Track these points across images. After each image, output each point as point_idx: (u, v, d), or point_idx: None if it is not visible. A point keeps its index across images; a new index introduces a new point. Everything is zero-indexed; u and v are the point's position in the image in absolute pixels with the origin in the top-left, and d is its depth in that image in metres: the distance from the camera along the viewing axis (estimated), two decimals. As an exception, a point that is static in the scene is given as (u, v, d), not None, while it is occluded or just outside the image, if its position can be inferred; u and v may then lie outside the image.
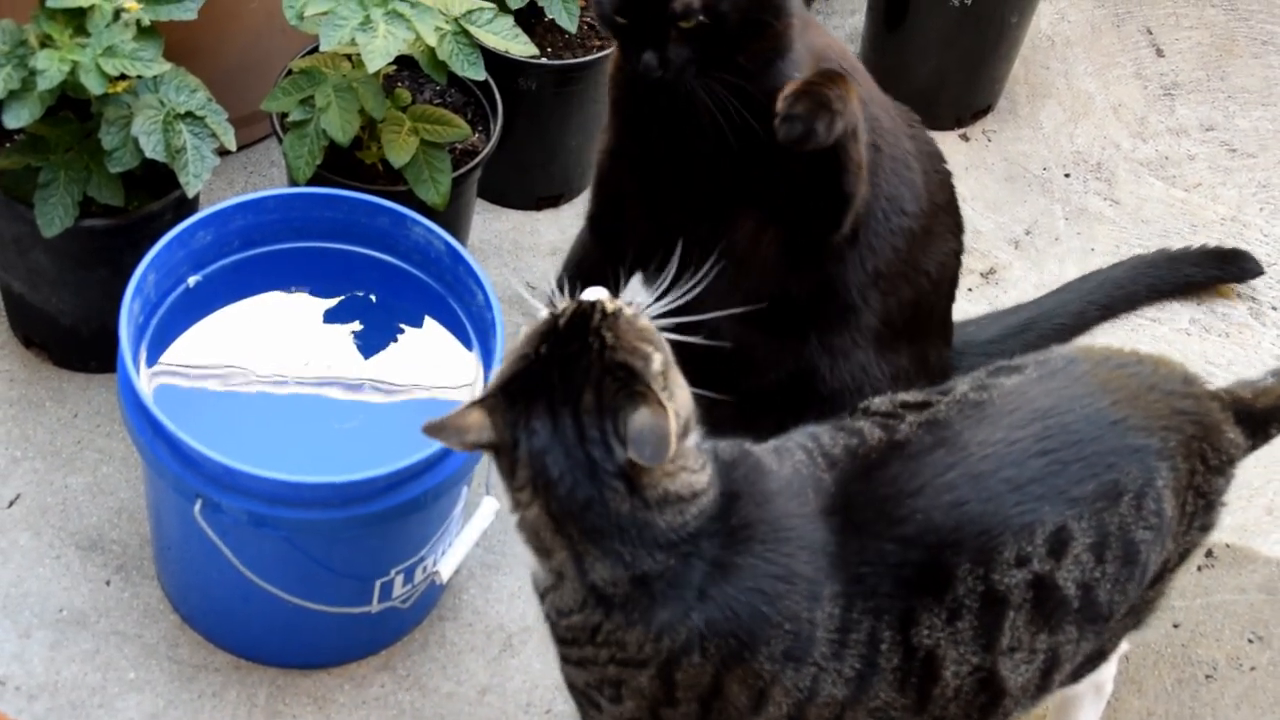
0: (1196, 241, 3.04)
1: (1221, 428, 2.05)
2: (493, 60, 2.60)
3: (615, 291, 2.29)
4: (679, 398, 1.79)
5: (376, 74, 2.44)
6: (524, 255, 2.90)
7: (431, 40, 2.42)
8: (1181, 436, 1.99)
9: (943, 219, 2.45)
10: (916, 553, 1.86)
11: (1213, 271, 2.99)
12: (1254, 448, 2.11)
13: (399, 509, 2.14)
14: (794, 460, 1.91)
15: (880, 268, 2.35)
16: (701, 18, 2.11)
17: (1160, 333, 2.93)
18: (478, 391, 2.26)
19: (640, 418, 1.72)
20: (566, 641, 1.87)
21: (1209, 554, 2.65)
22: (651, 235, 2.34)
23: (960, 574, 1.86)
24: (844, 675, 1.85)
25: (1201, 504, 2.04)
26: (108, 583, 2.43)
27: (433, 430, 1.79)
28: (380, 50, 2.36)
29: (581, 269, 2.47)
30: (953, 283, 2.53)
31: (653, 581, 1.78)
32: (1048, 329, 2.82)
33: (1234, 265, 3.00)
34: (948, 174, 2.49)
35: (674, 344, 1.85)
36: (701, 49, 2.13)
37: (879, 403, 2.02)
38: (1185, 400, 2.02)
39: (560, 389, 1.76)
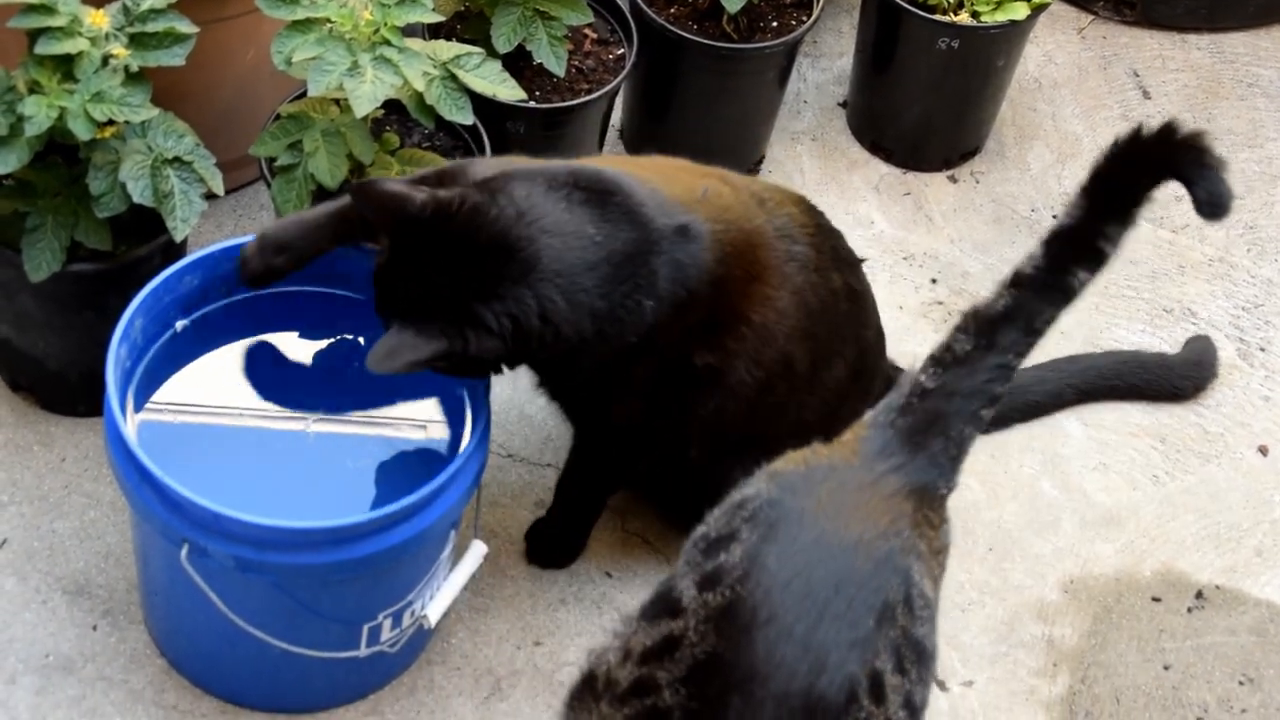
0: (1184, 282, 3.05)
1: (936, 483, 2.01)
2: (481, 104, 2.61)
3: None
4: None
5: (364, 118, 2.45)
6: (513, 298, 2.90)
7: (419, 85, 2.43)
8: (907, 519, 1.95)
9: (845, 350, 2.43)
10: None
11: (1200, 379, 2.94)
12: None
13: (387, 553, 2.13)
14: None
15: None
16: None
17: (1148, 373, 2.93)
18: (466, 434, 2.26)
19: None
20: None
21: (1199, 595, 2.65)
22: None
23: None
24: None
25: (941, 556, 2.02)
26: (94, 627, 2.42)
27: None
28: (368, 95, 2.36)
29: None
30: (840, 392, 2.45)
31: None
32: (1020, 403, 2.79)
33: (1211, 369, 2.96)
34: (853, 298, 2.43)
35: None
36: None
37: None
38: (890, 477, 1.98)
39: None
